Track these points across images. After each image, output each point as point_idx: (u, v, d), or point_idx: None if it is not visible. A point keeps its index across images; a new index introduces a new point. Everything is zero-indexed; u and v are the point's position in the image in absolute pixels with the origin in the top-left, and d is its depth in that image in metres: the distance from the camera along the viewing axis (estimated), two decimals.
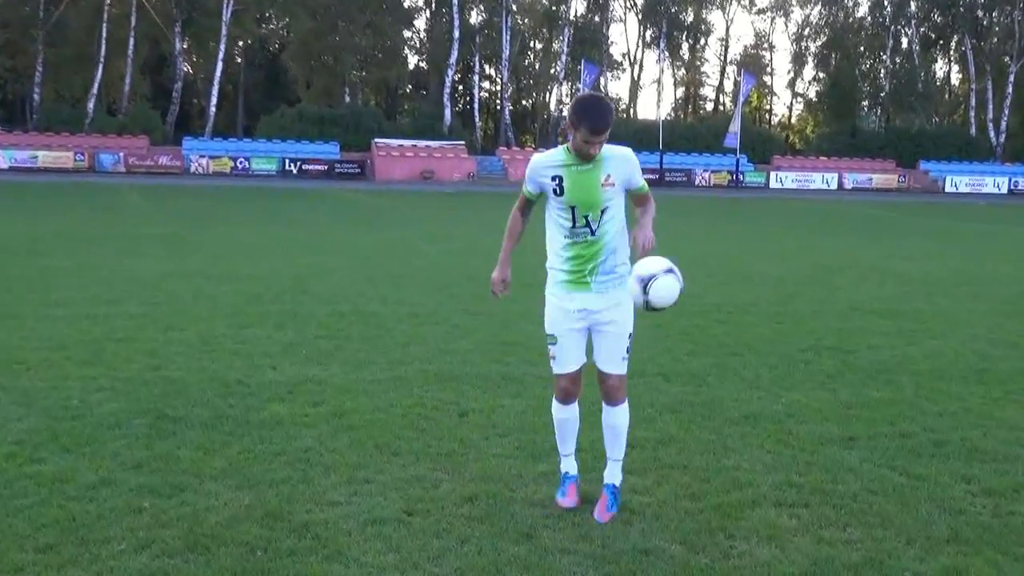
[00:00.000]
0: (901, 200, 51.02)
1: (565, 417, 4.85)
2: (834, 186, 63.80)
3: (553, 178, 4.57)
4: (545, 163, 4.62)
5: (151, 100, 67.97)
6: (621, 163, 4.58)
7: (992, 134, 74.41)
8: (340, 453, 5.48)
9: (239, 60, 74.85)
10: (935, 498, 4.98)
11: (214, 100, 66.53)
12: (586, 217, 4.55)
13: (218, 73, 65.85)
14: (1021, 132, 74.95)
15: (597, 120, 4.38)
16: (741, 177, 62.45)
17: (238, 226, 21.96)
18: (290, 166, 56.83)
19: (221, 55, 66.06)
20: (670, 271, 4.64)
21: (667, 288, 4.63)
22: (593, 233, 4.57)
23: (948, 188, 64.73)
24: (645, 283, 4.61)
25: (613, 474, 4.83)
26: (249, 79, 75.30)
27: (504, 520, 4.57)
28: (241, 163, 56.46)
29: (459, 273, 13.94)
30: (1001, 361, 8.53)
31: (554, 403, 4.87)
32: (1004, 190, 65.14)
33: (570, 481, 4.87)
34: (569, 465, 4.91)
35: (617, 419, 4.80)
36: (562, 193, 4.56)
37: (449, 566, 4.08)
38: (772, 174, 63.53)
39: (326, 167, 57.40)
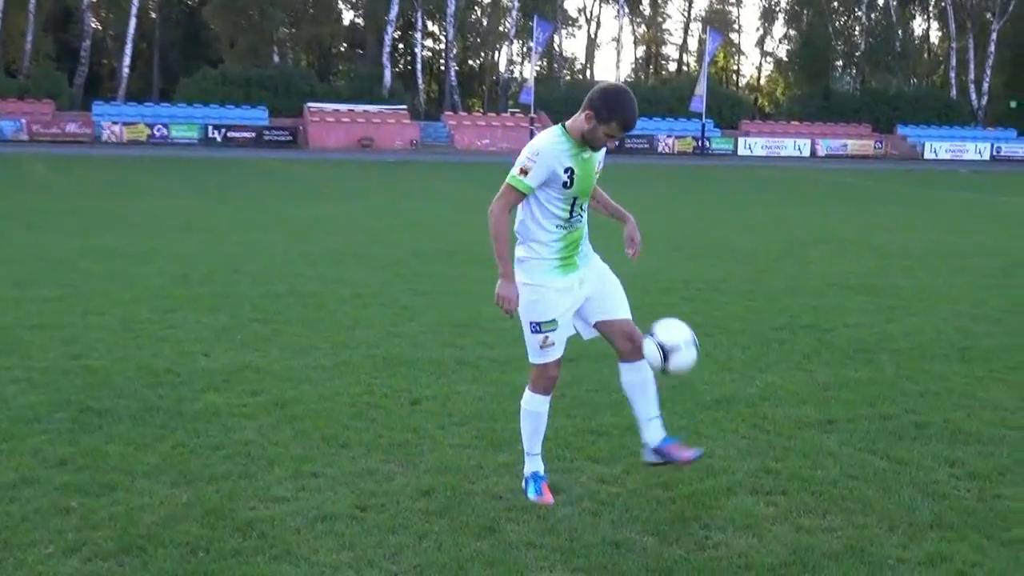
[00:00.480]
0: (878, 167, 51.87)
1: (543, 411, 4.94)
2: (807, 153, 64.62)
3: (566, 170, 4.62)
4: (559, 150, 4.61)
5: (56, 60, 66.64)
6: (601, 149, 4.79)
7: (973, 96, 75.81)
8: (284, 446, 5.53)
9: (154, 15, 73.67)
10: (918, 482, 5.15)
11: (127, 60, 65.45)
12: (582, 206, 4.77)
13: (131, 30, 64.75)
14: (1004, 94, 76.42)
15: (632, 117, 4.56)
16: (707, 143, 62.97)
17: (158, 199, 21.74)
18: (214, 133, 56.17)
19: (134, 10, 64.96)
20: (692, 343, 4.81)
21: (687, 360, 4.81)
22: (581, 219, 4.81)
23: (927, 154, 65.88)
24: (666, 352, 4.75)
25: (658, 432, 4.98)
26: (166, 37, 74.17)
27: (464, 514, 4.66)
28: (159, 130, 55.69)
29: (405, 250, 13.98)
30: (984, 338, 8.79)
31: (534, 397, 4.91)
32: (986, 156, 66.47)
33: (543, 480, 4.95)
34: (538, 464, 4.98)
35: (646, 372, 4.95)
36: (572, 185, 4.64)
37: (407, 563, 4.16)
38: (740, 140, 64.16)
39: (254, 134, 56.81)
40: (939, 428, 6.07)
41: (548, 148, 4.59)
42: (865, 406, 6.54)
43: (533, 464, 4.97)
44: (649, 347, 4.79)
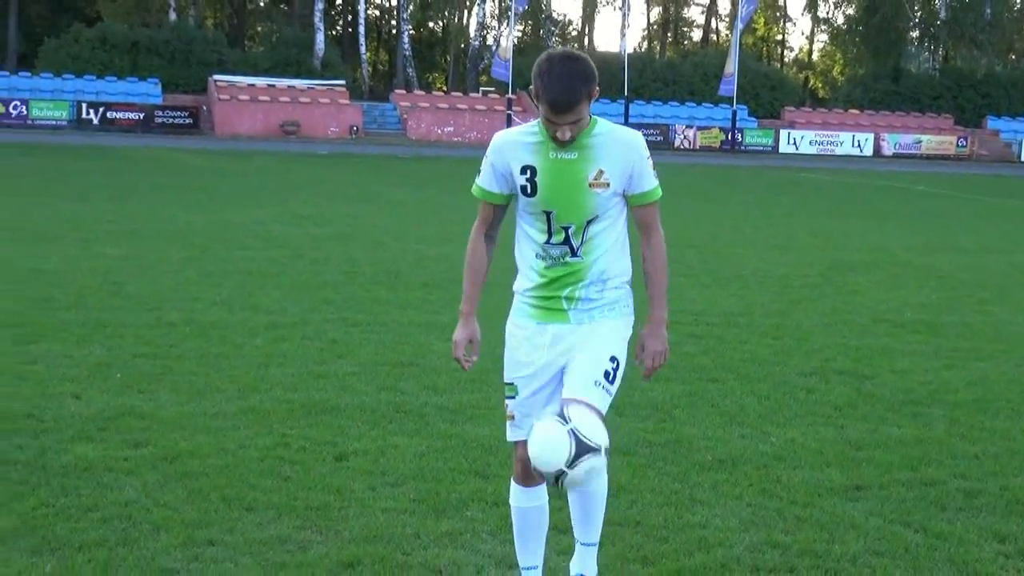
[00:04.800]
0: (961, 172, 52.56)
1: (528, 507, 4.76)
2: (869, 151, 65.36)
3: (524, 169, 4.44)
4: (514, 141, 4.50)
5: None
6: (620, 152, 4.48)
7: None
8: (174, 508, 5.85)
9: None
10: (957, 561, 5.54)
11: None
12: (566, 230, 4.48)
13: None
14: None
15: (558, 91, 4.27)
16: (739, 137, 63.60)
17: (12, 198, 21.87)
18: (89, 113, 56.21)
19: None
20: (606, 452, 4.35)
21: (593, 469, 4.30)
22: (575, 253, 4.51)
23: None
24: (580, 449, 4.22)
25: (586, 564, 4.94)
26: None
27: None
28: (16, 108, 55.72)
29: (336, 269, 14.28)
30: None
31: (512, 486, 4.79)
32: None
33: None
34: None
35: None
36: (534, 192, 4.44)
37: None
38: (783, 133, 64.85)
39: (142, 115, 56.92)
40: (992, 497, 6.46)
41: (503, 137, 4.54)
42: (905, 470, 6.91)
43: None
44: (557, 433, 4.25)
